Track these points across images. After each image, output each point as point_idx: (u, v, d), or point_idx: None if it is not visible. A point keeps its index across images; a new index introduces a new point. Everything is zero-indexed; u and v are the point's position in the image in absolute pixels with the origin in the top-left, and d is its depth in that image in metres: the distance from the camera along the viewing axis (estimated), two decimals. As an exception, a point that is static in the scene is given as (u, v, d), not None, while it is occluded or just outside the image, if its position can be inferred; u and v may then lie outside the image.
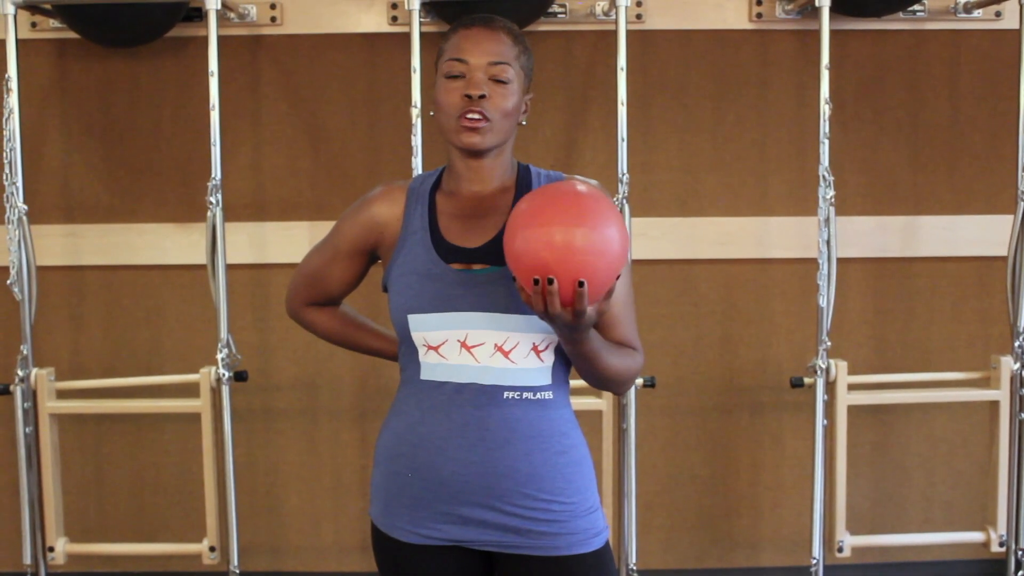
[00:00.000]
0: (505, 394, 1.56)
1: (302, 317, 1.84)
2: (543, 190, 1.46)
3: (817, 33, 2.63)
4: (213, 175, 2.64)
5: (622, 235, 1.41)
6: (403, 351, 1.64)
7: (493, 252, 1.56)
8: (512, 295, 1.53)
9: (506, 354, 1.55)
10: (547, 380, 1.58)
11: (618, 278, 1.43)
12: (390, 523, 1.63)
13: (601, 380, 1.57)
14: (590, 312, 1.40)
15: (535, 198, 1.44)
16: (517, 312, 1.54)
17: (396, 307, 1.59)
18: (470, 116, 1.55)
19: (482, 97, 1.55)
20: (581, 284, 1.36)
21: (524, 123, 1.64)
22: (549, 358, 1.58)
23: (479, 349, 1.55)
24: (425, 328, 1.57)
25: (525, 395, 1.57)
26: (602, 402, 2.71)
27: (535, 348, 1.56)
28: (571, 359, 1.55)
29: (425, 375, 1.59)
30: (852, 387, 2.75)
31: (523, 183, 1.63)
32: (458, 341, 1.56)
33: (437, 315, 1.56)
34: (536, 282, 1.37)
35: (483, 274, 1.56)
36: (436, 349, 1.57)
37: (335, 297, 1.79)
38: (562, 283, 1.37)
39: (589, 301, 1.38)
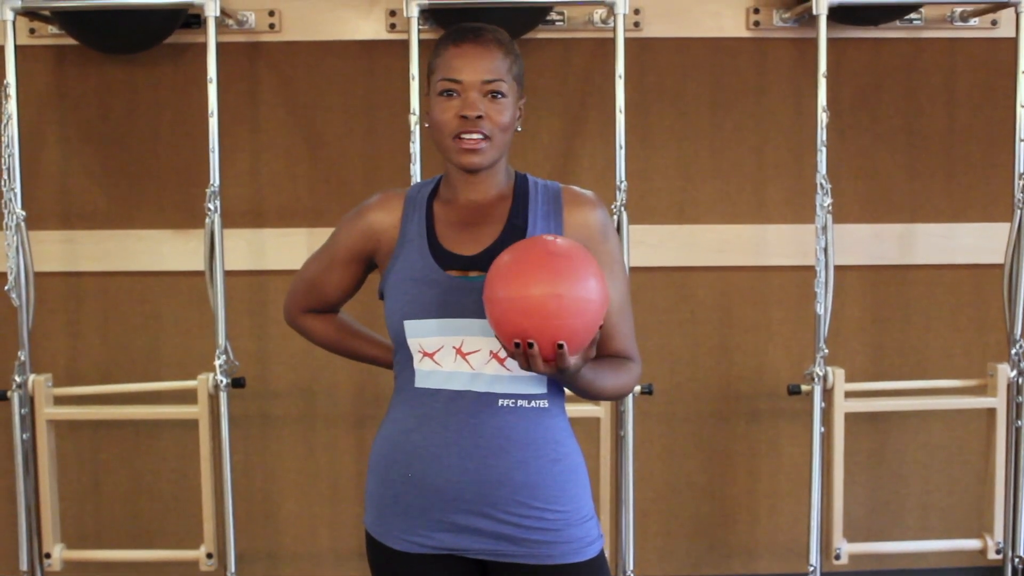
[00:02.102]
0: (500, 402, 1.56)
1: (300, 324, 1.84)
2: (518, 248, 1.47)
3: (814, 41, 2.63)
4: (211, 181, 2.64)
5: (600, 288, 1.42)
6: (398, 359, 1.64)
7: (490, 260, 1.55)
8: None
9: (501, 361, 1.55)
10: (542, 388, 1.58)
11: (601, 328, 1.45)
12: (384, 531, 1.63)
13: (598, 399, 1.62)
14: (574, 363, 1.42)
15: (511, 256, 1.45)
16: None
17: (392, 313, 1.60)
18: (468, 137, 1.55)
19: (479, 117, 1.55)
20: (560, 346, 1.38)
21: (520, 129, 1.64)
22: (544, 367, 1.59)
23: (474, 356, 1.55)
24: (421, 334, 1.57)
25: (520, 403, 1.57)
26: (599, 409, 2.71)
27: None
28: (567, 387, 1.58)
29: (420, 383, 1.59)
30: (849, 394, 2.75)
31: (520, 191, 1.64)
32: (454, 348, 1.56)
33: (433, 321, 1.56)
34: (517, 345, 1.40)
35: (479, 281, 1.55)
36: (431, 356, 1.57)
37: (333, 304, 1.80)
38: (542, 346, 1.39)
39: (570, 354, 1.40)
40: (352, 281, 1.74)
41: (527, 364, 1.42)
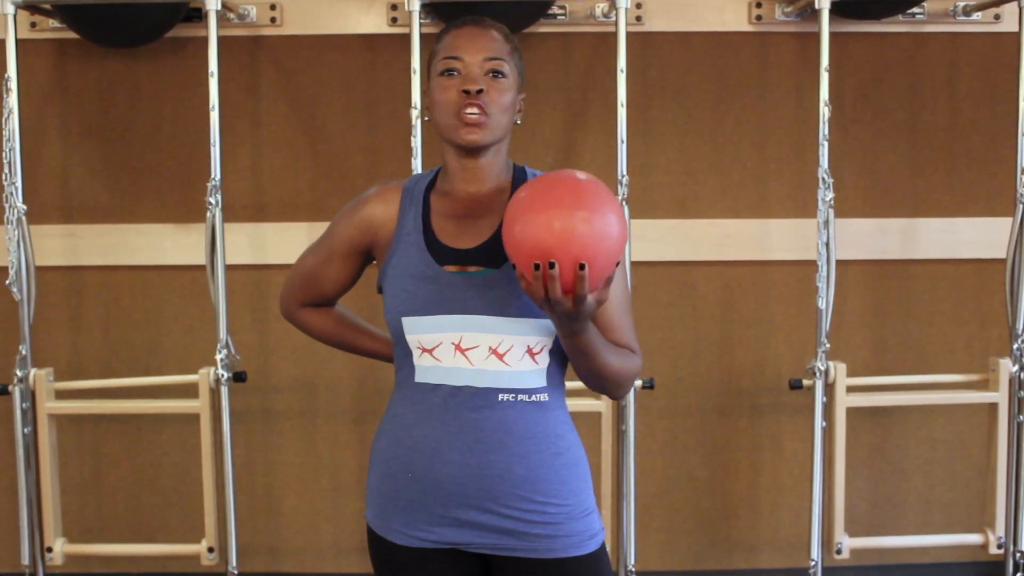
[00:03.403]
0: (500, 396, 1.55)
1: (296, 318, 1.83)
2: (541, 178, 1.46)
3: (817, 35, 2.63)
4: (212, 176, 2.64)
5: (621, 222, 1.42)
6: (397, 353, 1.63)
7: (488, 254, 1.55)
8: (507, 298, 1.53)
9: (500, 357, 1.55)
10: (542, 382, 1.58)
11: (617, 265, 1.43)
12: (386, 526, 1.63)
13: (599, 378, 1.56)
14: (590, 300, 1.40)
15: (534, 185, 1.44)
16: (512, 315, 1.53)
17: (390, 310, 1.59)
18: (469, 112, 1.54)
19: (480, 92, 1.55)
20: (582, 267, 1.36)
21: (519, 122, 1.64)
22: (544, 360, 1.57)
23: (473, 352, 1.55)
24: (419, 331, 1.57)
25: (520, 397, 1.56)
26: (601, 404, 2.71)
27: (530, 351, 1.56)
28: (569, 355, 1.54)
29: (419, 378, 1.59)
30: (851, 389, 2.75)
31: (518, 184, 1.63)
32: (452, 344, 1.55)
33: (431, 318, 1.56)
34: (537, 267, 1.37)
35: (478, 276, 1.55)
36: (430, 352, 1.57)
37: (330, 298, 1.79)
38: (563, 267, 1.36)
39: (590, 286, 1.38)
40: (349, 274, 1.73)
41: (543, 292, 1.38)
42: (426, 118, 1.64)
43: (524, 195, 1.43)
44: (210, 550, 2.75)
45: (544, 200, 1.40)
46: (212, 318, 2.71)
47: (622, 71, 2.64)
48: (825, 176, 2.64)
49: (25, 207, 2.69)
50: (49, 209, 3.00)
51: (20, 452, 2.74)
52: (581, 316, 1.42)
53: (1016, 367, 2.74)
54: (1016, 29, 2.66)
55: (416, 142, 2.62)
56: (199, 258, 2.76)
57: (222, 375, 2.68)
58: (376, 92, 3.00)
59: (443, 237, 1.59)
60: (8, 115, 2.65)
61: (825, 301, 2.68)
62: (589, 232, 1.37)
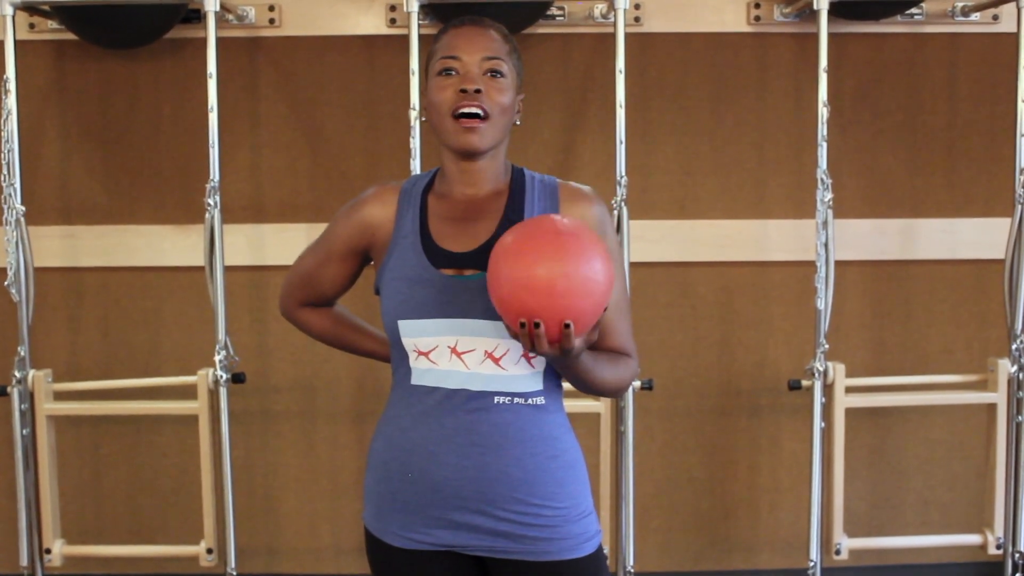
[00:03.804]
0: (496, 399, 1.55)
1: (295, 317, 1.83)
2: (524, 227, 1.44)
3: (815, 36, 2.63)
4: (211, 177, 2.63)
5: (606, 268, 1.40)
6: (394, 356, 1.63)
7: (484, 258, 1.53)
8: None
9: (496, 361, 1.54)
10: (538, 386, 1.58)
11: (605, 310, 1.43)
12: (383, 528, 1.63)
13: (594, 392, 1.58)
14: (579, 345, 1.41)
15: (517, 234, 1.42)
16: None
17: (387, 312, 1.59)
18: (467, 112, 1.54)
19: (478, 91, 1.54)
20: (567, 326, 1.37)
21: (518, 123, 1.64)
22: (540, 364, 1.57)
23: (469, 356, 1.55)
24: (415, 334, 1.56)
25: (516, 400, 1.56)
26: (599, 405, 2.71)
27: (525, 355, 1.55)
28: (564, 377, 1.57)
29: (416, 380, 1.58)
30: (850, 390, 2.75)
31: (517, 186, 1.62)
32: (448, 347, 1.55)
33: (427, 321, 1.55)
34: (523, 325, 1.38)
35: (474, 280, 1.55)
36: (426, 355, 1.56)
37: (328, 298, 1.79)
38: (548, 325, 1.37)
39: (576, 335, 1.39)
40: (348, 275, 1.73)
41: (531, 345, 1.40)
42: (424, 119, 1.63)
43: (509, 243, 1.41)
44: (209, 551, 2.75)
45: (526, 257, 1.38)
46: (211, 319, 2.70)
47: (621, 72, 2.64)
48: (824, 177, 2.64)
49: (24, 208, 2.68)
50: (48, 210, 3.00)
51: (19, 453, 2.73)
52: (570, 361, 1.44)
53: (1015, 368, 2.74)
54: (1014, 30, 2.66)
55: (415, 143, 2.62)
56: (198, 259, 2.76)
57: (221, 376, 2.68)
58: (375, 93, 3.00)
59: (440, 240, 1.59)
60: (7, 116, 2.65)
61: (824, 302, 2.68)
62: (572, 291, 1.36)
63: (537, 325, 1.37)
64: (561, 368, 1.50)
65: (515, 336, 1.41)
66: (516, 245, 1.41)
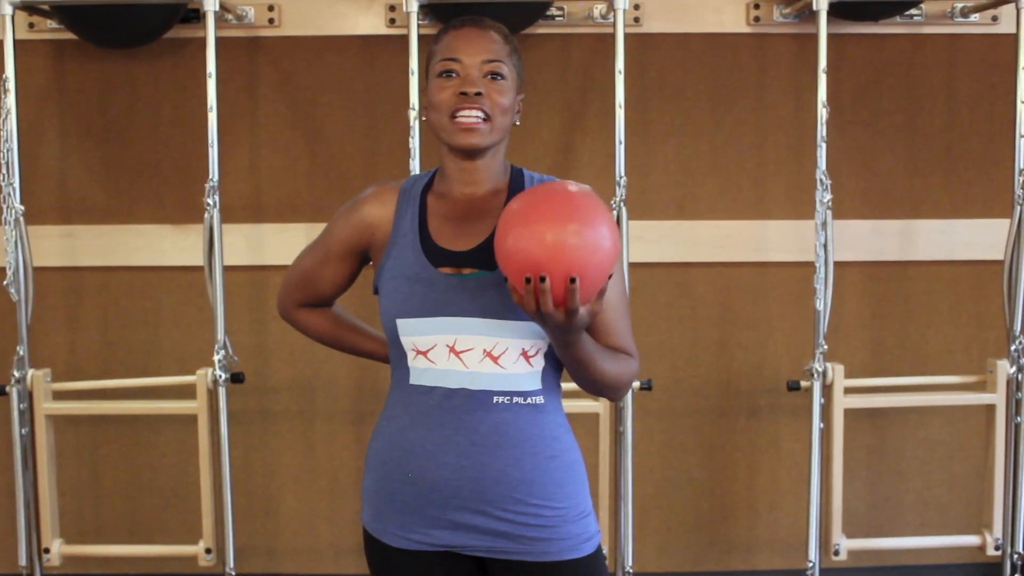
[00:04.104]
0: (495, 399, 1.55)
1: (293, 318, 1.83)
2: (534, 190, 1.45)
3: (815, 37, 2.63)
4: (210, 176, 2.63)
5: (613, 234, 1.40)
6: (393, 355, 1.63)
7: (483, 256, 1.55)
8: (502, 300, 1.52)
9: (495, 359, 1.54)
10: (537, 385, 1.58)
11: (610, 277, 1.41)
12: (381, 528, 1.63)
13: (595, 385, 1.56)
14: (582, 312, 1.39)
15: (526, 198, 1.43)
16: (507, 317, 1.53)
17: (385, 311, 1.59)
18: (467, 115, 1.54)
19: (478, 94, 1.54)
20: (573, 280, 1.35)
21: (518, 123, 1.64)
22: (539, 363, 1.57)
23: (468, 354, 1.54)
24: (414, 333, 1.56)
25: (515, 400, 1.56)
26: (599, 405, 2.71)
27: (524, 354, 1.55)
28: (564, 363, 1.54)
29: (414, 380, 1.58)
30: (849, 390, 2.75)
31: (516, 186, 1.62)
32: (447, 346, 1.55)
33: (426, 320, 1.55)
34: (528, 281, 1.36)
35: (472, 279, 1.55)
36: (425, 354, 1.56)
37: (327, 298, 1.79)
38: (554, 281, 1.35)
39: (581, 299, 1.37)
40: (346, 275, 1.73)
41: (535, 306, 1.38)
42: (423, 118, 1.63)
43: (515, 207, 1.42)
44: (208, 551, 2.75)
45: (535, 212, 1.38)
46: (210, 319, 2.70)
47: (620, 72, 2.64)
48: (823, 177, 2.64)
49: (23, 208, 2.68)
50: (47, 210, 3.00)
51: (17, 453, 2.73)
52: (574, 328, 1.41)
53: (1013, 368, 2.74)
54: (1014, 30, 2.66)
55: (414, 143, 2.62)
56: (197, 259, 2.76)
57: (220, 376, 2.68)
58: (374, 93, 3.00)
59: (439, 239, 1.59)
60: (6, 116, 2.65)
61: (823, 302, 2.68)
62: (580, 245, 1.36)
63: (543, 280, 1.35)
64: (563, 347, 1.47)
65: (519, 302, 1.39)
66: (526, 204, 1.41)
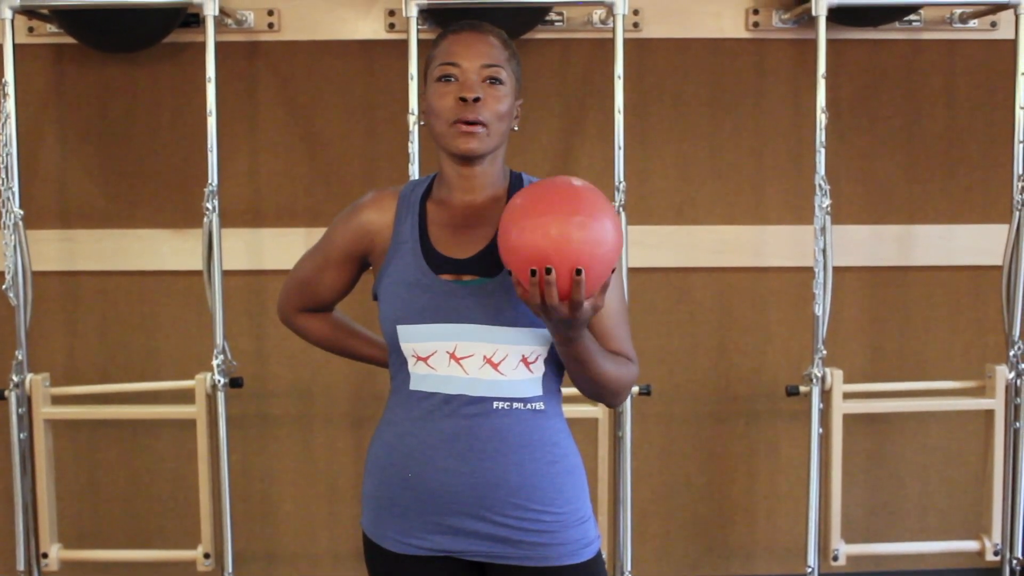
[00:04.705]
0: (495, 404, 1.55)
1: (294, 323, 1.83)
2: (537, 185, 1.46)
3: (814, 42, 2.63)
4: (210, 181, 2.63)
5: (617, 229, 1.42)
6: (393, 361, 1.63)
7: (483, 263, 1.55)
8: (502, 307, 1.53)
9: (495, 366, 1.54)
10: (538, 391, 1.58)
11: (613, 271, 1.42)
12: (381, 533, 1.62)
13: (595, 386, 1.55)
14: (586, 306, 1.39)
15: (529, 192, 1.44)
16: (507, 324, 1.53)
17: (385, 317, 1.59)
18: (466, 121, 1.54)
19: (477, 100, 1.54)
20: (579, 272, 1.36)
21: (517, 128, 1.64)
22: (539, 369, 1.57)
23: (468, 361, 1.54)
24: (414, 339, 1.56)
25: (515, 405, 1.56)
26: (598, 410, 2.71)
27: (524, 360, 1.55)
28: (564, 362, 1.54)
29: (414, 385, 1.58)
30: (847, 396, 2.75)
31: (515, 191, 1.62)
32: (447, 352, 1.55)
33: (426, 326, 1.55)
34: (533, 273, 1.37)
35: (473, 285, 1.55)
36: (425, 360, 1.56)
37: (327, 303, 1.79)
38: (560, 272, 1.36)
39: (586, 292, 1.38)
40: (346, 281, 1.73)
41: (540, 299, 1.38)
42: (422, 123, 1.63)
43: (520, 201, 1.42)
44: (206, 556, 2.75)
45: (540, 206, 1.39)
46: (209, 324, 2.70)
47: (619, 77, 2.64)
48: (822, 183, 2.64)
49: (22, 212, 2.68)
50: (46, 214, 3.00)
51: (16, 457, 2.73)
52: (577, 323, 1.42)
53: (1012, 374, 2.74)
54: (1012, 36, 2.67)
55: (413, 148, 2.62)
56: (196, 263, 2.76)
57: (219, 380, 2.67)
58: (374, 98, 3.00)
59: (439, 245, 1.59)
60: (5, 120, 2.65)
61: (822, 308, 2.68)
62: (585, 237, 1.37)
63: (548, 272, 1.36)
64: (564, 343, 1.47)
65: (523, 295, 1.40)
66: (530, 199, 1.42)
